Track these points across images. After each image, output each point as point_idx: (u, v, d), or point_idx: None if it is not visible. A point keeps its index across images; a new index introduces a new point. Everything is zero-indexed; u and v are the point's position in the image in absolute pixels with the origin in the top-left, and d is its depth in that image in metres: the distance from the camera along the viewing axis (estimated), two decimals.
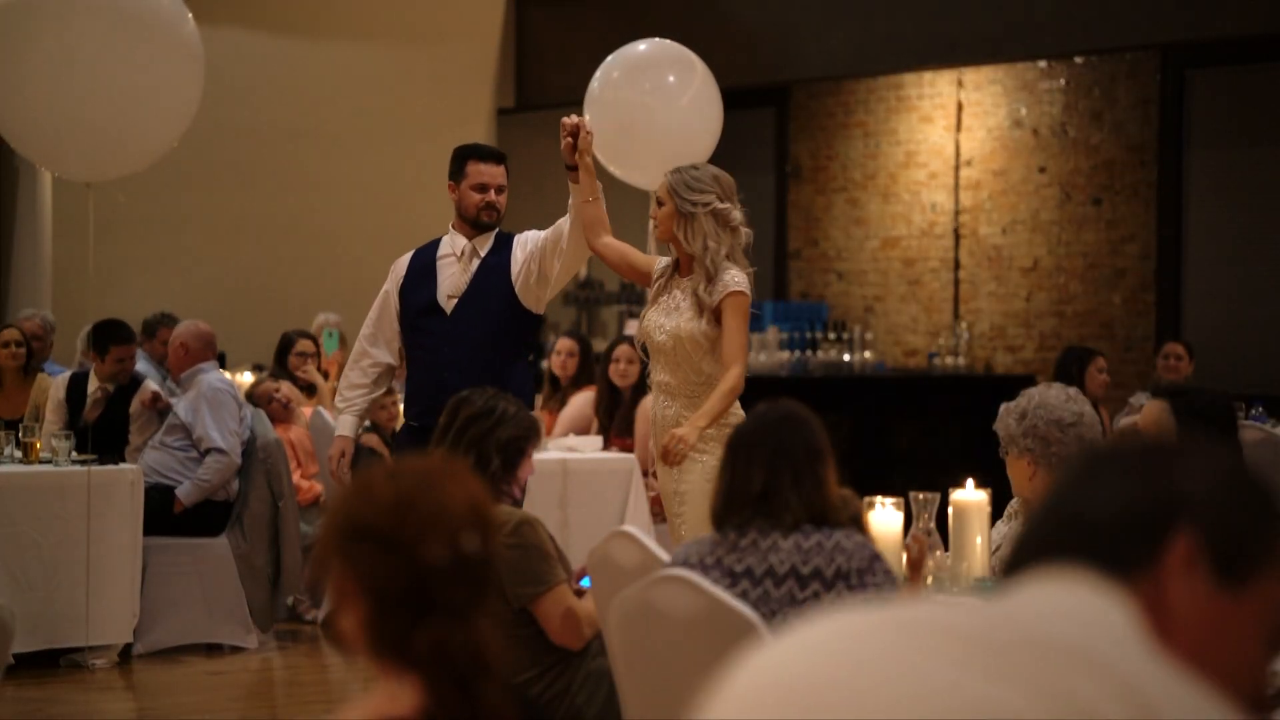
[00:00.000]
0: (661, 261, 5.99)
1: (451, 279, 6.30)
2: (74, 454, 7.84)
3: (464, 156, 6.43)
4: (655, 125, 7.81)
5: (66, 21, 6.17)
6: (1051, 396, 4.77)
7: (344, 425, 6.39)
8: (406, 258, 6.44)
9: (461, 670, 2.10)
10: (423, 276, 6.35)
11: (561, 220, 6.39)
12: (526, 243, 6.43)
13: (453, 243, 6.38)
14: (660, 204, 5.92)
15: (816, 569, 3.91)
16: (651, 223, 6.15)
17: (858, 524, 4.04)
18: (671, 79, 7.90)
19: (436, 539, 2.13)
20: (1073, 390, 4.83)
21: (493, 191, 6.37)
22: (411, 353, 6.32)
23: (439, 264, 6.35)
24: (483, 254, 6.34)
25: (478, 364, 6.17)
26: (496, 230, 6.41)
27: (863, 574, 3.92)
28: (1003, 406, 4.89)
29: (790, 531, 3.92)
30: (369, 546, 2.15)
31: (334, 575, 2.19)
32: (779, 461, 3.92)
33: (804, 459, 3.92)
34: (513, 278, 6.31)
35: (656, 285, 5.93)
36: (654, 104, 7.82)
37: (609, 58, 7.99)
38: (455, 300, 6.27)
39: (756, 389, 11.79)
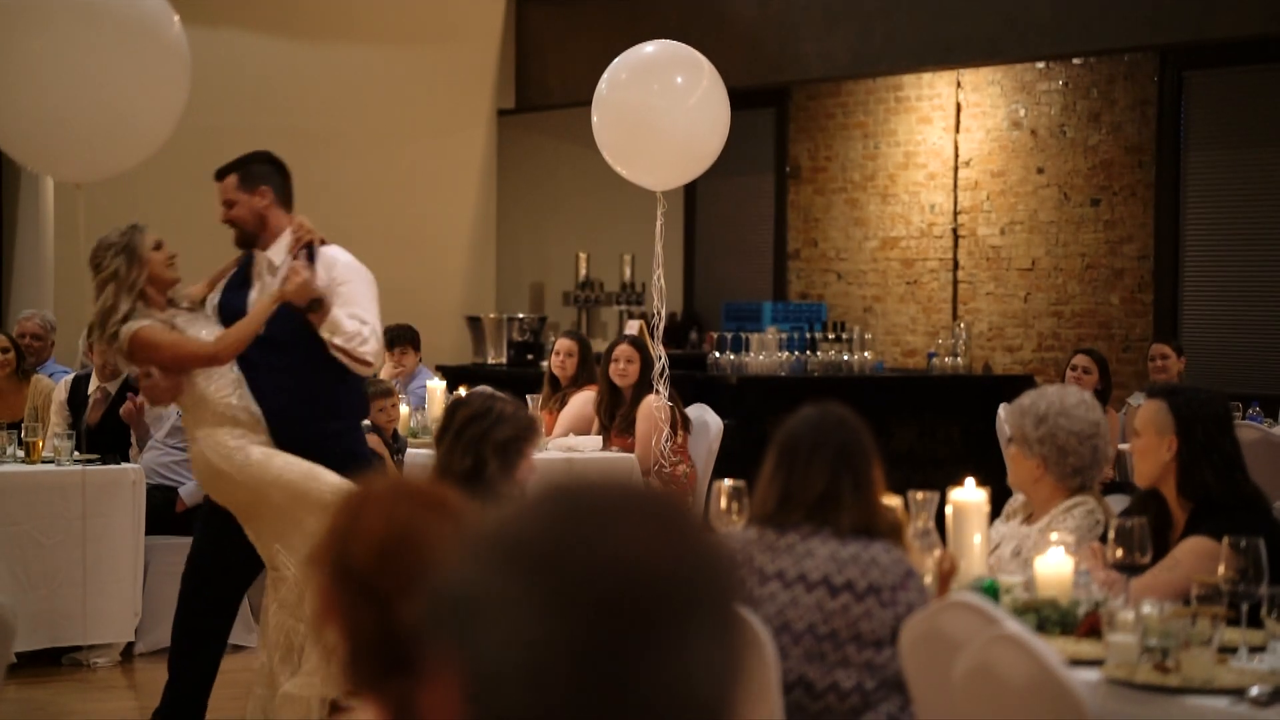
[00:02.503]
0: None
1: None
2: (76, 454, 7.86)
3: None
4: (663, 126, 7.83)
5: (52, 23, 6.19)
6: (1071, 404, 4.72)
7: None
8: None
9: None
10: None
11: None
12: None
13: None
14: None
15: (849, 581, 3.89)
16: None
17: (896, 535, 4.04)
18: (679, 80, 7.92)
19: (413, 595, 2.07)
20: (1087, 395, 4.82)
21: (223, 209, 6.26)
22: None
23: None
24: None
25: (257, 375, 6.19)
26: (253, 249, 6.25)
27: (895, 590, 3.92)
28: (1014, 403, 4.87)
29: (842, 536, 3.91)
30: (351, 589, 2.13)
31: (320, 590, 2.18)
32: (841, 465, 3.90)
33: (864, 464, 3.92)
34: None
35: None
36: (662, 105, 7.85)
37: (616, 59, 8.02)
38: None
39: (757, 389, 11.81)
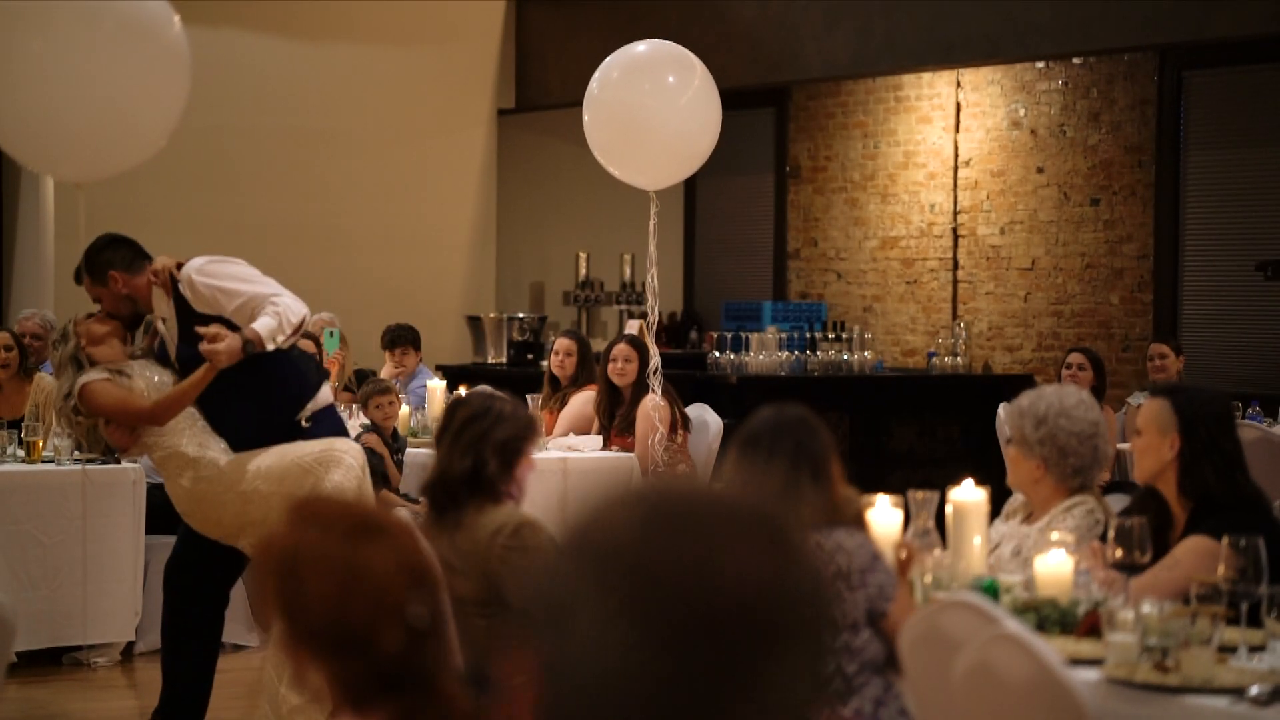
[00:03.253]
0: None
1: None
2: (76, 453, 7.86)
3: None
4: (654, 126, 7.83)
5: (53, 23, 6.19)
6: (1070, 405, 4.72)
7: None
8: None
9: None
10: None
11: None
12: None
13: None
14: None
15: None
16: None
17: (859, 523, 4.08)
18: (671, 80, 7.91)
19: (386, 627, 2.09)
20: (1085, 395, 4.81)
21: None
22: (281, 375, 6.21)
23: None
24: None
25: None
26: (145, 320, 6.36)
27: (864, 572, 3.96)
28: (1012, 404, 4.87)
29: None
30: (324, 647, 2.11)
31: (293, 656, 2.15)
32: (801, 459, 3.95)
33: (822, 458, 3.97)
34: None
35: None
36: (653, 105, 7.84)
37: (608, 59, 8.02)
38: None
39: (757, 389, 11.82)
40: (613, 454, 8.39)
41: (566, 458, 8.23)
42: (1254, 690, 3.49)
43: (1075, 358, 9.39)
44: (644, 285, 13.33)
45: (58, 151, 6.44)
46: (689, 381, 10.15)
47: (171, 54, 6.41)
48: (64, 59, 6.18)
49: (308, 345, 9.76)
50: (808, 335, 12.15)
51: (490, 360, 12.92)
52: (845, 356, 12.00)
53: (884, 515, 4.40)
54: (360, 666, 2.10)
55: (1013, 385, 11.80)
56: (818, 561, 1.34)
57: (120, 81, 6.27)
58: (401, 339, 10.09)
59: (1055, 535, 4.28)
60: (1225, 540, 3.90)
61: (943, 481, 4.74)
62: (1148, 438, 4.56)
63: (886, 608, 3.96)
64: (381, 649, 2.09)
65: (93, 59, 6.21)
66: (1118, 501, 4.97)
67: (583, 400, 8.83)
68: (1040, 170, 12.25)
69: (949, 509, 4.44)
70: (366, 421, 8.58)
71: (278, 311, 5.99)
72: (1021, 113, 12.35)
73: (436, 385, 9.08)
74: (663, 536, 1.30)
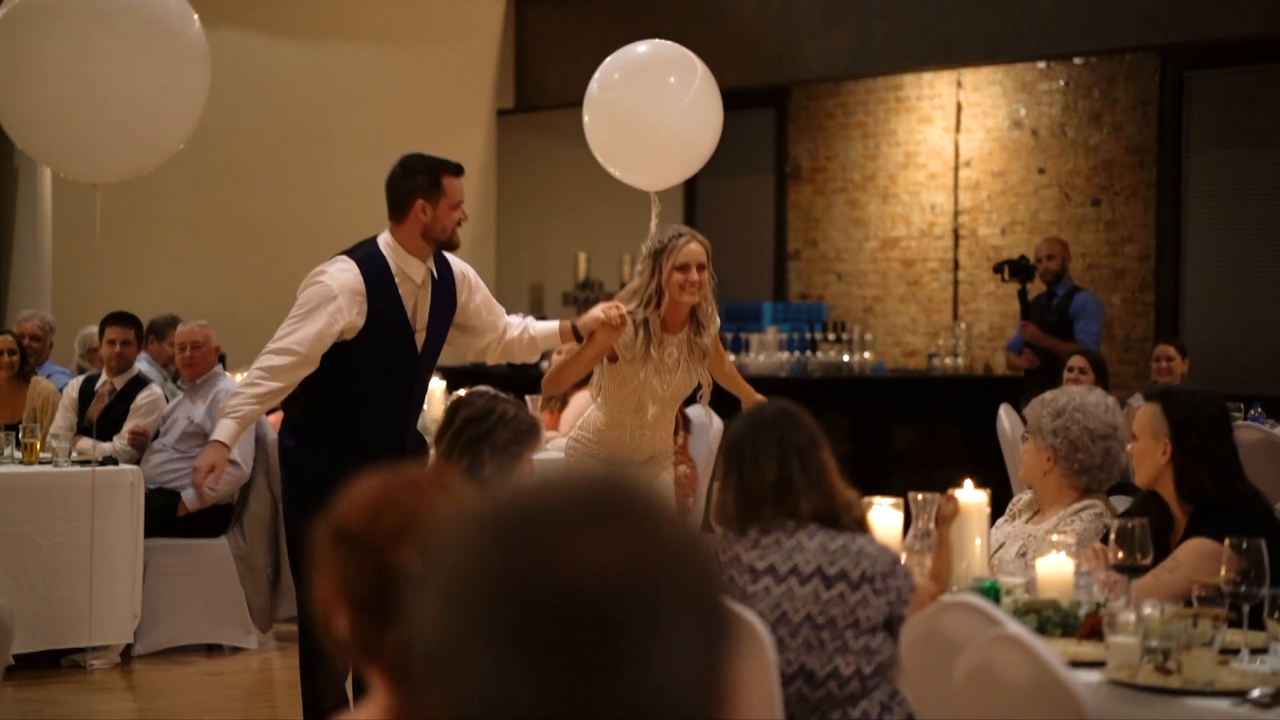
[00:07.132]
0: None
1: (416, 309, 5.93)
2: (74, 455, 7.87)
3: (437, 170, 5.87)
4: (655, 127, 7.81)
5: (74, 23, 6.17)
6: (1091, 403, 4.77)
7: (225, 431, 5.70)
8: (357, 276, 5.88)
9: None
10: (385, 300, 5.88)
11: (519, 329, 6.44)
12: (471, 288, 6.15)
13: (407, 266, 5.88)
14: (702, 269, 6.06)
15: (843, 571, 3.95)
16: (682, 281, 6.10)
17: (862, 528, 4.08)
18: (672, 80, 7.90)
19: (408, 543, 2.14)
20: (1111, 400, 4.84)
21: (464, 208, 5.92)
22: (365, 378, 5.85)
23: (400, 290, 5.89)
24: (435, 275, 5.97)
25: (425, 385, 6.33)
26: None
27: (886, 577, 3.97)
28: (1037, 397, 4.91)
29: (807, 523, 3.96)
30: (346, 548, 2.18)
31: (323, 580, 2.20)
32: (786, 452, 3.97)
33: (809, 447, 3.98)
34: (458, 309, 6.12)
35: (631, 350, 6.11)
36: (654, 105, 7.83)
37: (608, 59, 8.00)
38: (423, 334, 5.97)
39: (756, 389, 11.79)
40: None
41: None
42: (1256, 693, 3.48)
43: (1076, 360, 9.36)
44: None
45: (76, 152, 6.42)
46: None
47: (192, 55, 6.39)
48: (82, 59, 6.16)
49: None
50: (808, 336, 12.14)
51: (490, 361, 12.90)
52: (845, 357, 11.99)
53: (885, 517, 4.40)
54: (369, 574, 2.15)
55: (1013, 386, 11.79)
56: (675, 537, 1.31)
57: (141, 83, 6.25)
58: None
59: (1056, 537, 4.27)
60: (1227, 542, 3.89)
61: (943, 483, 4.73)
62: (1142, 442, 4.56)
63: (905, 612, 3.97)
64: (394, 560, 2.14)
65: (112, 59, 6.19)
66: (1120, 502, 4.97)
67: (584, 401, 8.82)
68: (1041, 171, 12.24)
69: None
70: None
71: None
72: (1022, 113, 12.34)
73: (436, 385, 9.07)
74: (507, 558, 1.29)
